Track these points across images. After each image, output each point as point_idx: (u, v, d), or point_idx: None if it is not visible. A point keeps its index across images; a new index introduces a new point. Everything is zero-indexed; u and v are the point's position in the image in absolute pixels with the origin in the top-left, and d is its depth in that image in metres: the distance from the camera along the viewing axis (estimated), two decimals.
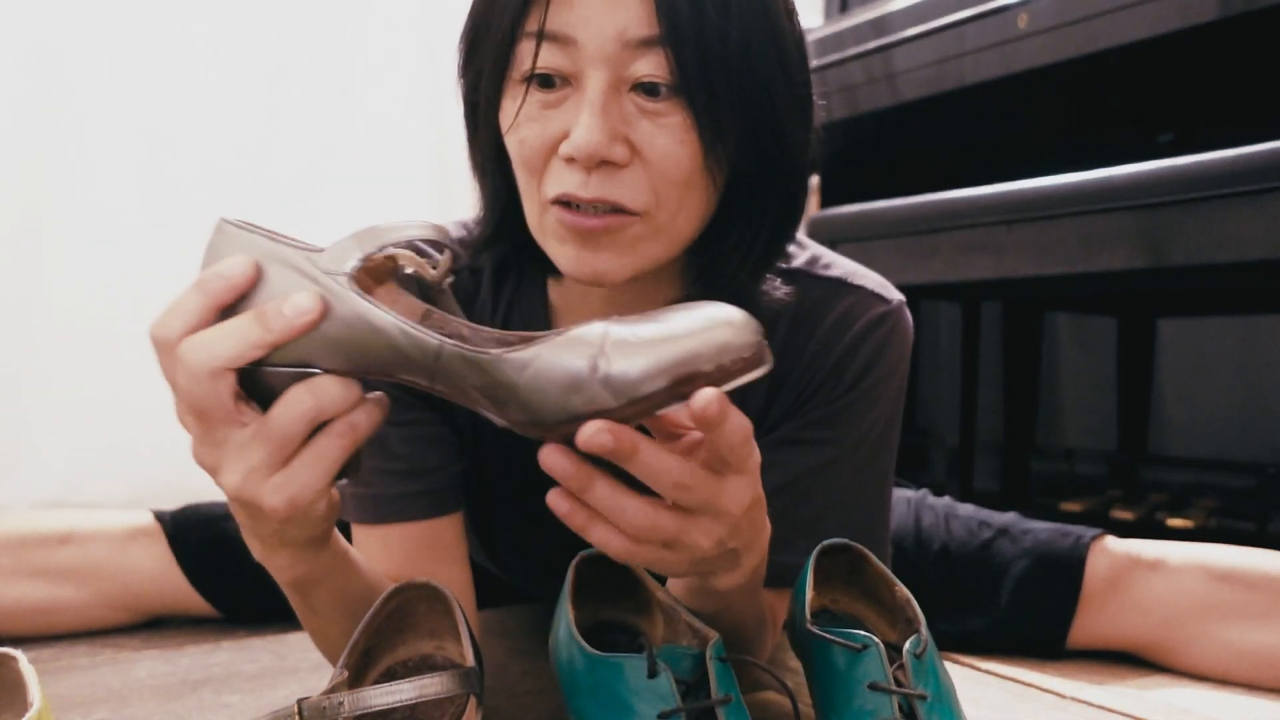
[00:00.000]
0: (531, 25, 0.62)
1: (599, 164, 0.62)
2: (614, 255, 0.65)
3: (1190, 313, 1.81)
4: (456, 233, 0.82)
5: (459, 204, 1.63)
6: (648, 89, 0.63)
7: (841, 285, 0.79)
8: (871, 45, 1.48)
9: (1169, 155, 1.11)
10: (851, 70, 1.50)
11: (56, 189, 1.42)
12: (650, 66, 0.62)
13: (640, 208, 0.64)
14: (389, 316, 0.50)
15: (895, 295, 0.80)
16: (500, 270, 0.80)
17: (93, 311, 1.44)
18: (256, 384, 0.51)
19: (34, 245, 1.41)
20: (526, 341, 0.50)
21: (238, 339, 0.49)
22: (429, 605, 0.63)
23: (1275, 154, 1.02)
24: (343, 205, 1.58)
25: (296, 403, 0.49)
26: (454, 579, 0.76)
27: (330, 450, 0.50)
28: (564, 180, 0.63)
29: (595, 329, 0.49)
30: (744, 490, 0.52)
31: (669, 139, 0.63)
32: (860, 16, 1.52)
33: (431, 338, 0.50)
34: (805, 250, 0.82)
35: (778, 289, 0.76)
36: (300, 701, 0.51)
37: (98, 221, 1.44)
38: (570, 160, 0.63)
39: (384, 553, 0.75)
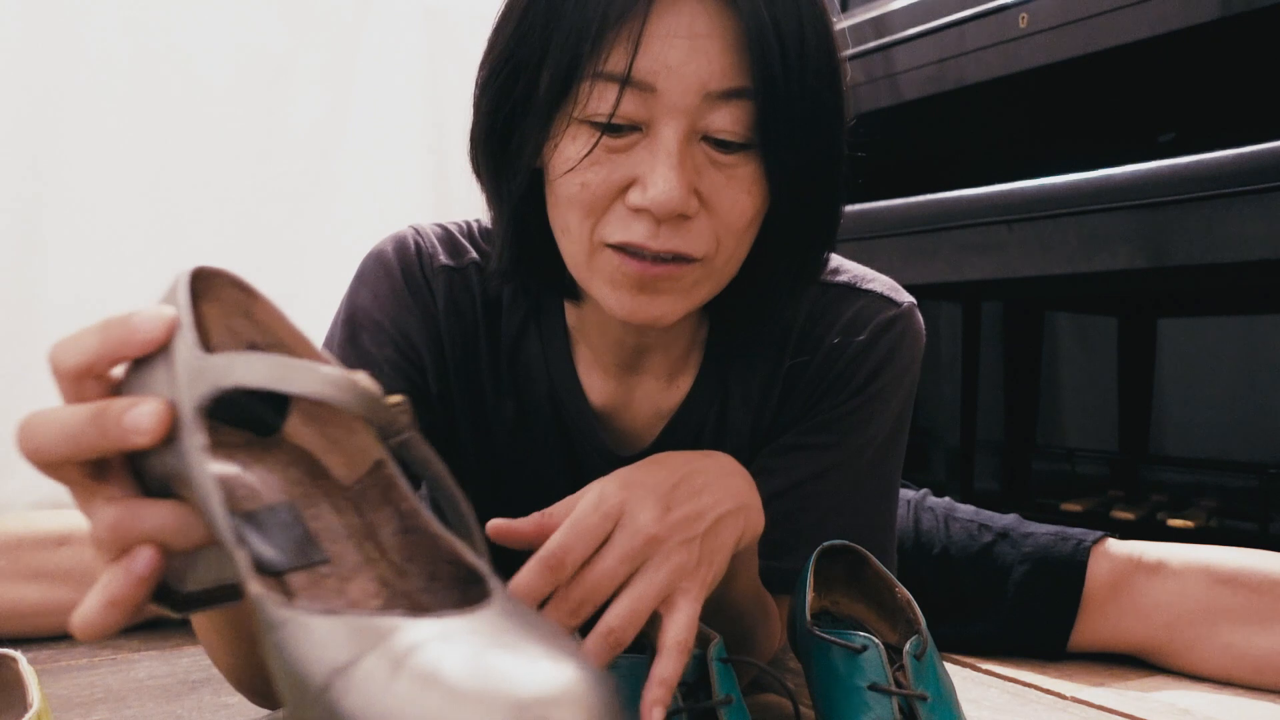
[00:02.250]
0: (602, 67, 0.59)
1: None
2: (671, 300, 0.64)
3: (1190, 313, 1.80)
4: (463, 234, 0.81)
5: (459, 205, 1.64)
6: (721, 144, 0.61)
7: (850, 290, 0.79)
8: (871, 45, 1.48)
9: (1169, 155, 1.11)
10: (851, 70, 1.50)
11: (56, 189, 1.42)
12: (726, 120, 0.60)
13: (701, 254, 0.63)
14: (203, 464, 0.35)
15: (905, 298, 0.80)
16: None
17: (92, 312, 1.43)
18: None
19: (34, 245, 1.41)
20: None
21: (66, 437, 0.38)
22: None
23: (1275, 154, 1.02)
24: (343, 206, 1.58)
25: (96, 520, 0.40)
26: None
27: (108, 590, 0.40)
28: (631, 229, 0.61)
29: (404, 631, 0.31)
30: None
31: (737, 190, 0.62)
32: (860, 16, 1.51)
33: (224, 516, 0.34)
34: None
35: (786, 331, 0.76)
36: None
37: (97, 221, 1.44)
38: (640, 210, 0.61)
39: None
